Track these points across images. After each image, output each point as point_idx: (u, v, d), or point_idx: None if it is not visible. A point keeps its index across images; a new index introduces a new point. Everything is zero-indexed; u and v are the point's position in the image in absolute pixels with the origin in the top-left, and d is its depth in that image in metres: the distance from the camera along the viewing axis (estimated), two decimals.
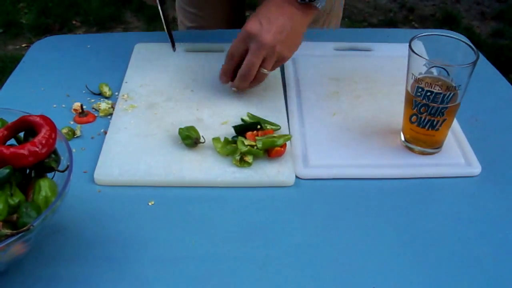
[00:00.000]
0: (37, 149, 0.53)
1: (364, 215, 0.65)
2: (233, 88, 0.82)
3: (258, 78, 0.79)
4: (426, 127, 0.70)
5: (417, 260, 0.59)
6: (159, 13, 0.87)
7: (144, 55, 0.94)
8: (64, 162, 0.57)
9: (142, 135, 0.75)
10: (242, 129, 0.74)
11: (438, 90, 0.66)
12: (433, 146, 0.73)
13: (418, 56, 0.67)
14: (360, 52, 0.97)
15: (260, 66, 0.77)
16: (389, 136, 0.76)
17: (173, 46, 0.87)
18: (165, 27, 0.86)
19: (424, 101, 0.68)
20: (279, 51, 0.76)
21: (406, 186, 0.69)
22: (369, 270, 0.58)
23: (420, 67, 0.67)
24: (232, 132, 0.75)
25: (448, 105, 0.68)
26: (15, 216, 0.51)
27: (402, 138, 0.75)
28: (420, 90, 0.68)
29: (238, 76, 0.79)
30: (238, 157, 0.70)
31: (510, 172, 0.72)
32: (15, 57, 2.35)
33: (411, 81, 0.69)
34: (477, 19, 2.88)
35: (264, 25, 0.74)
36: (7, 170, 0.52)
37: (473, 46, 0.68)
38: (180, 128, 0.73)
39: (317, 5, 0.78)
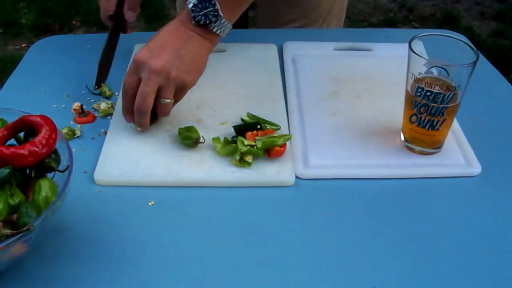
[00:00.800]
0: (37, 149, 0.53)
1: (364, 215, 0.65)
2: (137, 128, 0.75)
3: (162, 110, 0.73)
4: (426, 127, 0.70)
5: (417, 260, 0.59)
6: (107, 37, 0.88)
7: None
8: (64, 162, 0.57)
9: (142, 135, 0.75)
10: (242, 129, 0.74)
11: (438, 90, 0.66)
12: (433, 146, 0.73)
13: (418, 56, 0.67)
14: (360, 52, 0.97)
15: (160, 96, 0.71)
16: (389, 136, 0.76)
17: (97, 82, 0.86)
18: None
19: (424, 101, 0.68)
20: (175, 77, 0.70)
21: (406, 186, 0.69)
22: (369, 270, 0.58)
23: (420, 67, 0.67)
24: (232, 132, 0.75)
25: (448, 105, 0.68)
26: (15, 216, 0.51)
27: (402, 138, 0.75)
28: (420, 90, 0.68)
29: (135, 112, 0.72)
30: (238, 157, 0.70)
31: (510, 172, 0.72)
32: (15, 57, 2.36)
33: (411, 81, 0.69)
34: (477, 19, 2.88)
35: (154, 52, 0.69)
36: (7, 170, 0.52)
37: (473, 46, 0.68)
38: (180, 128, 0.73)
39: (214, 30, 0.72)
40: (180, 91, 0.73)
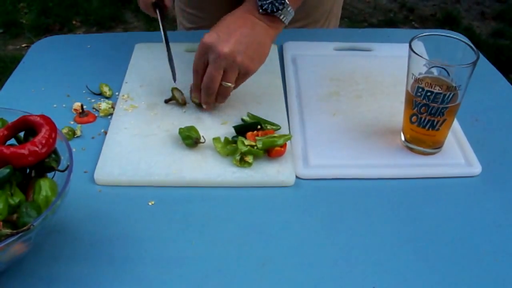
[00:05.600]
0: (37, 149, 0.53)
1: (364, 215, 0.65)
2: (204, 106, 0.78)
3: (221, 93, 0.76)
4: (426, 127, 0.70)
5: (417, 260, 0.59)
6: (161, 31, 0.84)
7: (144, 55, 0.94)
8: (64, 162, 0.57)
9: (142, 135, 0.75)
10: (242, 129, 0.74)
11: (438, 90, 0.66)
12: (433, 146, 0.73)
13: (418, 56, 0.67)
14: (360, 52, 0.97)
15: (223, 79, 0.74)
16: (389, 136, 0.76)
17: (174, 76, 0.83)
18: (166, 50, 0.83)
19: (424, 101, 0.68)
20: (240, 62, 0.72)
21: (406, 186, 0.69)
22: (369, 270, 0.58)
23: (420, 67, 0.67)
24: (232, 132, 0.75)
25: (448, 105, 0.68)
26: (15, 215, 0.51)
27: (402, 138, 0.75)
28: (420, 90, 0.68)
29: (202, 90, 0.76)
30: (238, 157, 0.70)
31: (510, 172, 0.72)
32: (15, 57, 2.36)
33: (411, 81, 0.69)
34: (477, 19, 2.88)
35: (222, 36, 0.72)
36: (7, 170, 0.52)
37: (473, 46, 0.68)
38: (180, 128, 0.73)
39: (281, 17, 0.75)
40: (241, 76, 0.75)
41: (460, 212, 0.66)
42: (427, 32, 0.72)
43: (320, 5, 1.10)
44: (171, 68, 0.83)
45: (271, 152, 0.70)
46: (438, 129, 0.70)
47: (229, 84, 0.74)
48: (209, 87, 0.74)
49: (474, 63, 0.65)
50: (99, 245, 0.60)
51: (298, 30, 1.08)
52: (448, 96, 0.67)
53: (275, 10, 0.74)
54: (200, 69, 0.75)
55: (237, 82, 0.76)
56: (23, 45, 2.52)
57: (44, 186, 0.54)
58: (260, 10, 0.74)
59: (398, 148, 0.74)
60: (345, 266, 0.58)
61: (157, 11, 0.86)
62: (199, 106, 0.80)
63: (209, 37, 0.72)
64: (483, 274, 0.58)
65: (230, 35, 0.72)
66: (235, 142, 0.71)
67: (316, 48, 0.97)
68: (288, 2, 0.74)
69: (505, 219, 0.65)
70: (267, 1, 0.73)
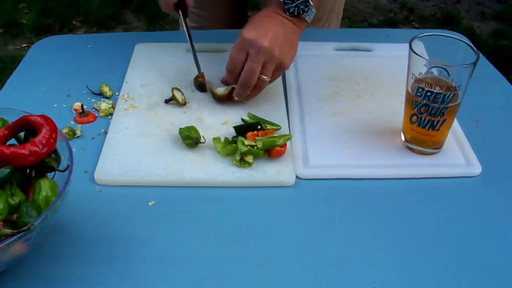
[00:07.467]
0: (38, 149, 0.53)
1: (364, 215, 0.65)
2: (235, 98, 0.80)
3: (258, 86, 0.79)
4: (427, 127, 0.70)
5: (417, 260, 0.59)
6: (184, 29, 0.86)
7: (144, 55, 0.94)
8: (64, 162, 0.57)
9: (142, 135, 0.75)
10: (242, 129, 0.74)
11: (439, 90, 0.66)
12: (434, 146, 0.73)
13: (419, 56, 0.67)
14: (360, 52, 0.97)
15: (261, 73, 0.77)
16: (390, 136, 0.76)
17: (199, 70, 0.85)
18: (192, 51, 0.86)
19: (424, 101, 0.68)
20: (278, 56, 0.75)
21: (406, 186, 0.69)
22: (369, 270, 0.58)
23: (420, 67, 0.67)
24: (232, 132, 0.75)
25: (448, 105, 0.68)
26: (15, 215, 0.51)
27: (403, 138, 0.75)
28: (420, 90, 0.68)
29: (238, 85, 0.78)
30: (238, 157, 0.70)
31: (510, 172, 0.72)
32: (15, 57, 2.35)
33: (411, 81, 0.69)
34: (477, 19, 2.88)
35: (260, 32, 0.75)
36: (8, 170, 0.52)
37: (473, 46, 0.68)
38: (180, 128, 0.73)
39: (306, 18, 0.78)
40: (277, 70, 0.78)
41: (460, 212, 0.66)
42: (427, 32, 0.72)
43: (321, 4, 1.10)
44: (196, 63, 0.85)
45: (271, 152, 0.70)
46: (438, 129, 0.70)
47: (267, 77, 0.77)
48: (248, 80, 0.77)
49: (474, 63, 0.65)
50: (99, 245, 0.60)
51: None
52: (448, 96, 0.67)
53: (301, 12, 0.77)
54: (239, 63, 0.77)
55: (273, 76, 0.79)
56: (23, 45, 2.52)
57: (44, 186, 0.54)
58: (287, 13, 0.77)
59: (398, 148, 0.74)
60: (345, 266, 0.58)
61: (180, 11, 0.87)
62: (220, 100, 0.81)
63: (248, 32, 0.75)
64: (483, 274, 0.58)
65: (267, 31, 0.75)
66: (235, 142, 0.71)
67: (316, 48, 0.97)
68: (312, 3, 0.77)
69: (505, 219, 0.65)
70: (293, 4, 0.76)
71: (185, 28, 0.87)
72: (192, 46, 0.87)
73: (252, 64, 0.76)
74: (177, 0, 0.86)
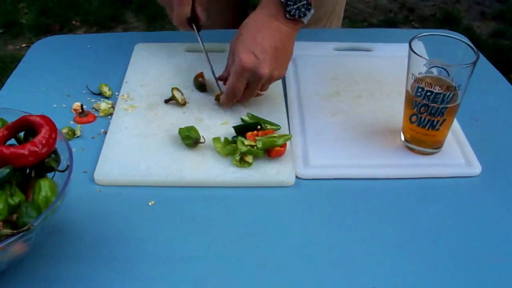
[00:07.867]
0: (37, 149, 0.53)
1: (364, 215, 0.65)
2: (220, 101, 0.81)
3: (253, 97, 0.81)
4: (426, 127, 0.70)
5: (417, 260, 0.59)
6: (199, 41, 0.85)
7: (144, 55, 0.94)
8: (64, 162, 0.57)
9: (142, 135, 0.75)
10: (242, 129, 0.74)
11: (438, 90, 0.66)
12: (433, 146, 0.73)
13: (418, 56, 0.67)
14: (360, 52, 0.97)
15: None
16: (389, 136, 0.76)
17: (218, 86, 0.83)
18: (211, 69, 0.84)
19: (424, 101, 0.68)
20: (276, 76, 0.77)
21: (406, 186, 0.69)
22: (369, 270, 0.58)
23: (420, 67, 0.67)
24: (232, 132, 0.75)
25: (448, 105, 0.68)
26: (15, 216, 0.51)
27: (402, 138, 0.75)
28: (420, 90, 0.68)
29: (232, 98, 0.78)
30: (238, 157, 0.70)
31: (510, 172, 0.72)
32: (15, 57, 2.35)
33: (411, 81, 0.69)
34: (477, 19, 2.88)
35: (260, 56, 0.73)
36: (7, 170, 0.52)
37: (473, 46, 0.68)
38: (180, 128, 0.73)
39: (304, 21, 0.76)
40: (273, 82, 0.79)
41: (460, 212, 0.66)
42: (427, 32, 0.72)
43: (322, 4, 1.10)
44: (212, 74, 0.84)
45: (271, 152, 0.70)
46: (438, 129, 0.70)
47: (264, 93, 0.81)
48: (246, 99, 0.80)
49: (474, 63, 0.65)
50: (99, 245, 0.60)
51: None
52: (448, 96, 0.67)
53: (301, 15, 0.75)
54: (239, 92, 0.77)
55: (267, 87, 0.80)
56: (23, 45, 2.52)
57: (44, 186, 0.54)
58: (287, 16, 0.74)
59: (398, 148, 0.74)
60: (345, 266, 0.58)
61: (194, 26, 0.86)
62: (221, 104, 0.81)
63: (247, 58, 0.73)
64: (483, 274, 0.58)
65: (265, 53, 0.73)
66: (235, 142, 0.71)
67: (316, 48, 0.97)
68: (312, 6, 0.75)
69: (505, 219, 0.65)
70: (294, 6, 0.74)
71: (200, 41, 0.86)
72: (207, 57, 0.85)
73: (252, 91, 0.78)
74: (190, 14, 0.85)
